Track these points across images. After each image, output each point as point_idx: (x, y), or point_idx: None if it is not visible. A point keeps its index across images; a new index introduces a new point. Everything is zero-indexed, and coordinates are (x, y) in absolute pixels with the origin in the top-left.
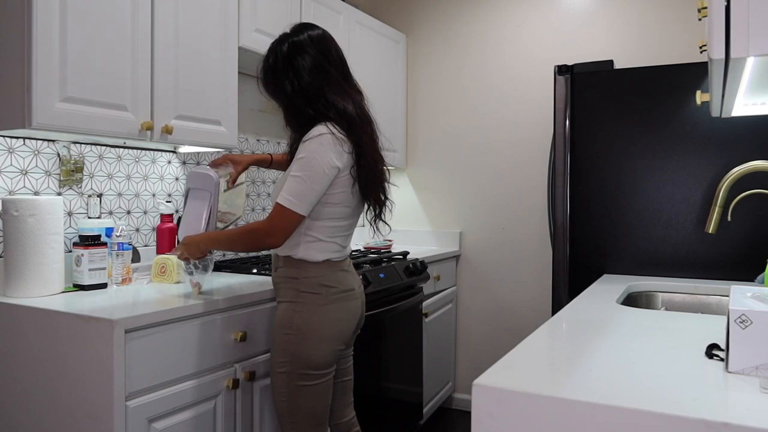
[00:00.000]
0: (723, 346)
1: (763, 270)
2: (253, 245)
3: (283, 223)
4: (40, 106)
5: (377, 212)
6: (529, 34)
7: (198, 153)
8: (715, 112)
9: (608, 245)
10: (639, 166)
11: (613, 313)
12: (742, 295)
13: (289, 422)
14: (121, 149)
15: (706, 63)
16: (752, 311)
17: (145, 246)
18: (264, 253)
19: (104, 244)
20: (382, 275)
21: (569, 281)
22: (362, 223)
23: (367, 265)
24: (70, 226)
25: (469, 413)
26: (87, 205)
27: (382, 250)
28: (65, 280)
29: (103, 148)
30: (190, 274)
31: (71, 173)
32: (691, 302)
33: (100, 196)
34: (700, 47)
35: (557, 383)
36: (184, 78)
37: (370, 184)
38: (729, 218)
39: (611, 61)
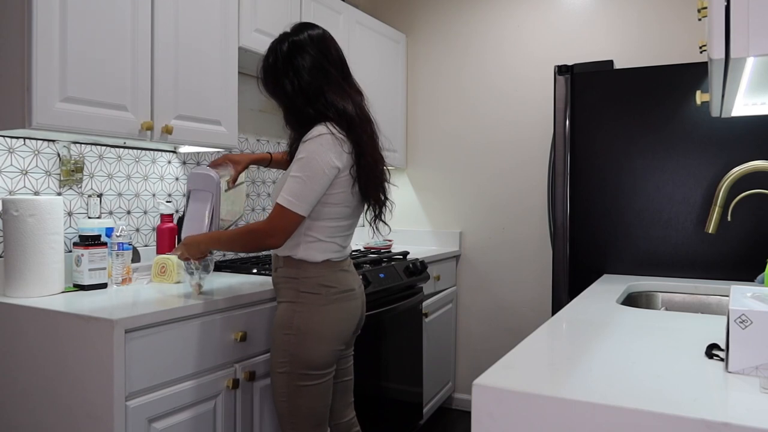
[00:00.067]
0: (723, 346)
1: (763, 270)
2: (253, 245)
3: (283, 223)
4: (40, 106)
5: (377, 212)
6: (529, 34)
7: (198, 153)
8: (715, 112)
9: (608, 245)
10: (639, 166)
11: (613, 313)
12: (742, 295)
13: (289, 422)
14: (121, 149)
15: (706, 63)
16: (752, 311)
17: (145, 246)
18: (264, 253)
19: (104, 244)
20: (382, 275)
21: (569, 281)
22: (362, 223)
23: (367, 265)
24: (70, 226)
25: (469, 413)
26: (87, 205)
27: (382, 250)
28: (65, 280)
29: (103, 148)
30: (191, 274)
31: (71, 173)
32: (691, 302)
33: (100, 196)
34: (700, 47)
35: (557, 383)
36: (184, 78)
37: (370, 184)
38: (729, 218)
39: (611, 61)
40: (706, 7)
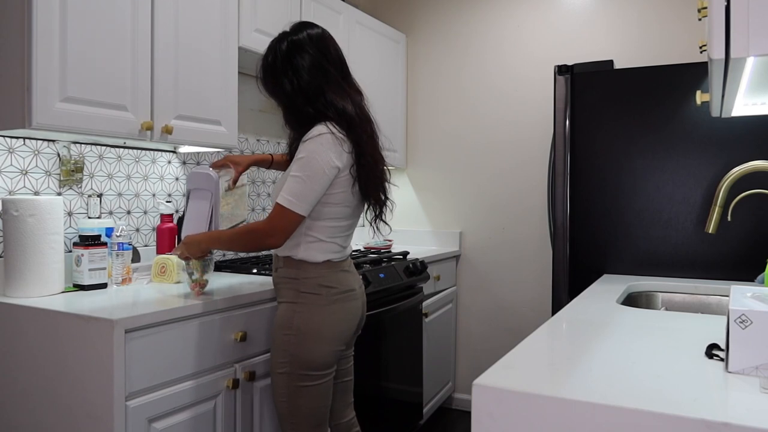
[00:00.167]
0: (723, 346)
1: (763, 270)
2: (253, 245)
3: (283, 223)
4: (40, 106)
5: (377, 212)
6: (529, 34)
7: (198, 153)
8: (715, 112)
9: (608, 245)
10: (639, 166)
11: (613, 313)
12: (742, 295)
13: (289, 423)
14: (121, 149)
15: (706, 63)
16: (752, 311)
17: (145, 246)
18: (264, 253)
19: (104, 244)
20: (382, 275)
21: (569, 281)
22: (362, 223)
23: (367, 265)
24: (70, 226)
25: (469, 413)
26: (87, 205)
27: (382, 250)
28: (65, 280)
29: (103, 148)
30: (190, 274)
31: (71, 173)
32: (691, 302)
33: (100, 196)
34: (700, 47)
35: (557, 383)
36: (184, 78)
37: (370, 183)
38: (729, 218)
39: (611, 61)
40: (706, 7)
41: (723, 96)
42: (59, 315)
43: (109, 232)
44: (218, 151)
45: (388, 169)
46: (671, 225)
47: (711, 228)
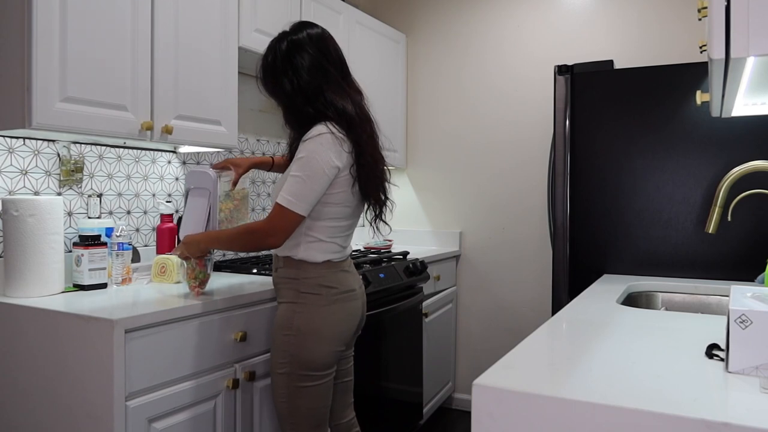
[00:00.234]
0: (723, 346)
1: (763, 270)
2: (252, 245)
3: (283, 223)
4: (40, 106)
5: (377, 212)
6: (529, 34)
7: (198, 153)
8: (715, 112)
9: (608, 245)
10: (639, 166)
11: (613, 313)
12: (742, 295)
13: (289, 423)
14: (121, 149)
15: (706, 63)
16: (752, 311)
17: (145, 246)
18: (264, 253)
19: (104, 244)
20: (382, 275)
21: (569, 281)
22: (362, 223)
23: (367, 265)
24: (70, 226)
25: (469, 413)
26: (87, 205)
27: (382, 250)
28: (65, 280)
29: (103, 148)
30: (190, 274)
31: (71, 173)
32: (691, 302)
33: (100, 196)
34: (700, 47)
35: (557, 383)
36: (184, 78)
37: (370, 183)
38: (729, 218)
39: (611, 61)
40: (706, 7)
41: (723, 96)
42: (59, 315)
43: (109, 232)
44: (218, 151)
45: (388, 169)
46: (671, 225)
47: (711, 228)
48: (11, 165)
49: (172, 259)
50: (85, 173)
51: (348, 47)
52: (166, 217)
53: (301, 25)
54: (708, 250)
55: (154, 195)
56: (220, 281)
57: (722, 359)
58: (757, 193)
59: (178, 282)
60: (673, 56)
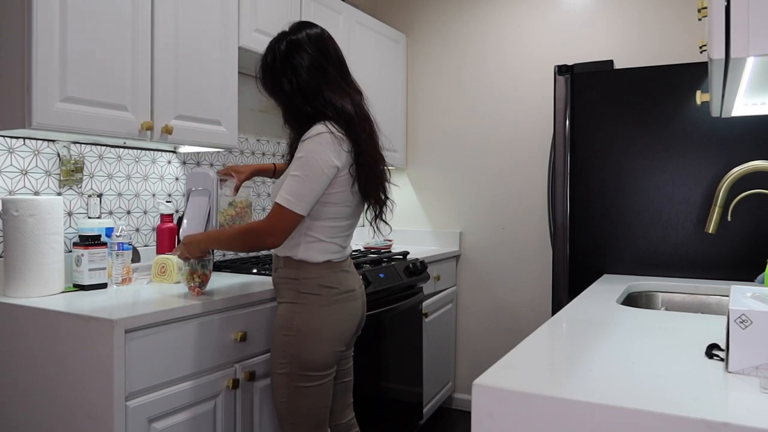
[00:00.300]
0: (723, 346)
1: (763, 270)
2: (252, 245)
3: (282, 222)
4: (40, 106)
5: (377, 212)
6: (529, 34)
7: (198, 153)
8: (715, 112)
9: (608, 245)
10: (639, 166)
11: (613, 313)
12: (742, 295)
13: (288, 423)
14: (121, 149)
15: (706, 63)
16: (752, 311)
17: (145, 246)
18: (264, 252)
19: (104, 244)
20: (382, 275)
21: (569, 281)
22: (362, 223)
23: (367, 265)
24: (70, 226)
25: (469, 413)
26: (87, 205)
27: (382, 250)
28: (65, 280)
29: (103, 148)
30: (190, 274)
31: (71, 173)
32: (691, 302)
33: (100, 196)
34: (700, 47)
35: (557, 383)
36: (184, 78)
37: (370, 183)
38: (729, 218)
39: (611, 61)
40: (706, 7)
41: (723, 96)
42: (59, 315)
43: (109, 232)
44: (218, 151)
45: (388, 169)
46: (671, 225)
47: (711, 228)
48: (11, 165)
49: (172, 259)
50: (85, 173)
51: (348, 47)
52: (166, 217)
53: (301, 25)
54: (708, 250)
55: (154, 195)
56: (220, 281)
57: (722, 359)
58: (757, 193)
59: (178, 282)
60: (673, 56)
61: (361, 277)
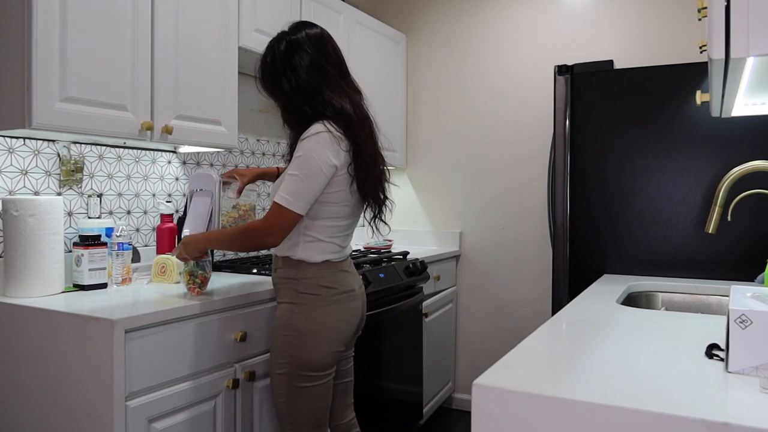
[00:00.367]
0: (723, 346)
1: (763, 270)
2: (250, 244)
3: (281, 222)
4: (40, 106)
5: (376, 211)
6: (529, 34)
7: (198, 153)
8: (715, 112)
9: (608, 245)
10: (639, 166)
11: (613, 313)
12: (742, 295)
13: (288, 423)
14: (121, 149)
15: (706, 63)
16: (752, 311)
17: (145, 246)
18: (264, 252)
19: (104, 244)
20: (382, 275)
21: (569, 281)
22: (362, 223)
23: (367, 265)
24: (70, 226)
25: (469, 413)
26: (87, 205)
27: (382, 250)
28: (65, 280)
29: (103, 148)
30: (191, 274)
31: (71, 173)
32: (691, 302)
33: (100, 196)
34: (700, 47)
35: (557, 383)
36: (184, 78)
37: (368, 182)
38: (729, 218)
39: (611, 61)
40: (706, 7)
41: (723, 96)
42: (59, 315)
43: (109, 232)
44: (218, 151)
45: (388, 169)
46: (671, 225)
47: (711, 228)
48: (11, 165)
49: (172, 259)
50: (85, 173)
51: (348, 47)
52: (166, 217)
53: (300, 25)
54: (708, 250)
55: (154, 195)
56: (220, 281)
57: (722, 359)
58: (757, 193)
59: (178, 282)
60: (673, 56)
61: (361, 277)
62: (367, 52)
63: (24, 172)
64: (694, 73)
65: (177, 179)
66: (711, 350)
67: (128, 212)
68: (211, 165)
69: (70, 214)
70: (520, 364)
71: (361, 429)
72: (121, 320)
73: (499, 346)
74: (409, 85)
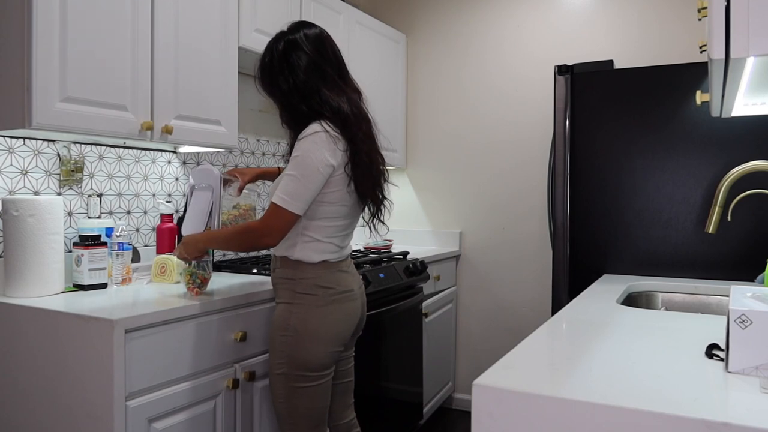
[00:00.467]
0: (723, 346)
1: (763, 270)
2: (248, 245)
3: (278, 222)
4: (40, 106)
5: (374, 211)
6: (529, 34)
7: (198, 153)
8: (715, 112)
9: (608, 245)
10: (639, 166)
11: (613, 313)
12: (742, 295)
13: (287, 423)
14: (121, 149)
15: (706, 63)
16: (752, 311)
17: (145, 246)
18: (264, 252)
19: (104, 244)
20: (382, 275)
21: (569, 281)
22: (362, 223)
23: (367, 265)
24: (70, 226)
25: (469, 413)
26: (87, 205)
27: (382, 250)
28: (65, 280)
29: (103, 148)
30: (191, 274)
31: (71, 173)
32: (691, 302)
33: (100, 196)
34: (700, 47)
35: (557, 383)
36: (184, 78)
37: (366, 182)
38: (729, 218)
39: (611, 61)
40: (706, 7)
41: (723, 96)
42: (59, 315)
43: (109, 232)
44: (218, 151)
45: (387, 169)
46: (671, 225)
47: (711, 228)
48: (11, 165)
49: (172, 259)
50: (85, 173)
51: (348, 47)
52: (166, 217)
53: (299, 25)
54: (708, 250)
55: (154, 195)
56: (220, 281)
57: (722, 359)
58: (757, 193)
59: (178, 282)
60: (673, 56)
61: (361, 277)
62: (367, 52)
63: (24, 172)
64: (694, 73)
65: (177, 179)
66: (711, 350)
67: (128, 212)
68: (211, 165)
69: (70, 214)
70: (520, 364)
71: (361, 429)
72: (121, 320)
73: (499, 346)
74: (409, 85)
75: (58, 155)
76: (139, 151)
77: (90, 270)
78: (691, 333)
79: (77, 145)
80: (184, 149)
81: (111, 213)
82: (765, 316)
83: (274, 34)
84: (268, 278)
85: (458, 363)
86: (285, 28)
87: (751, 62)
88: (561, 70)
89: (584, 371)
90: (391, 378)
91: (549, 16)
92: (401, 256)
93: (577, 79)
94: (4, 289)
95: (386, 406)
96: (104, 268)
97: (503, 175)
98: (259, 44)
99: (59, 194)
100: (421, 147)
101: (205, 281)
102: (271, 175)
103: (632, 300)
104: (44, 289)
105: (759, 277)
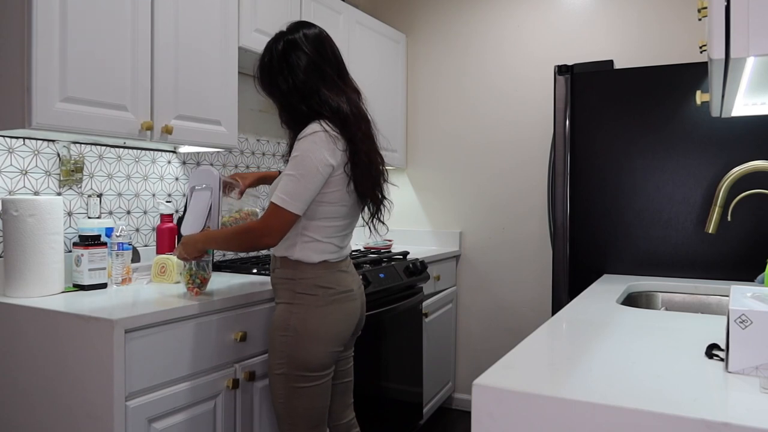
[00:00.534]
0: (723, 346)
1: (763, 270)
2: (248, 245)
3: (278, 222)
4: (40, 106)
5: (374, 211)
6: (529, 34)
7: (198, 153)
8: (715, 112)
9: (608, 245)
10: (639, 166)
11: (613, 313)
12: (742, 295)
13: (286, 423)
14: (121, 149)
15: (706, 63)
16: (752, 311)
17: (145, 246)
18: (264, 252)
19: (104, 244)
20: (382, 275)
21: (569, 281)
22: (362, 223)
23: (367, 265)
24: (70, 226)
25: (469, 413)
26: (87, 205)
27: (382, 250)
28: (65, 280)
29: (103, 148)
30: (190, 274)
31: (71, 173)
32: (691, 302)
33: (100, 196)
34: (700, 47)
35: (557, 383)
36: (184, 78)
37: (365, 182)
38: (729, 218)
39: (611, 61)
40: (706, 7)
41: (723, 96)
42: (59, 315)
43: (109, 232)
44: (218, 151)
45: (387, 169)
46: (671, 225)
47: (711, 228)
48: (11, 165)
49: (172, 259)
50: (85, 173)
51: (348, 47)
52: (166, 217)
53: (298, 25)
54: (708, 250)
55: (154, 195)
56: (220, 281)
57: (722, 359)
58: (757, 193)
59: (178, 282)
60: (673, 56)
61: (360, 277)
62: (367, 52)
63: (24, 172)
64: (694, 73)
65: (177, 179)
66: (711, 350)
67: (128, 212)
68: (211, 165)
69: (70, 214)
70: (520, 364)
71: (361, 429)
72: (121, 320)
73: (499, 346)
74: (409, 85)
75: (58, 155)
76: (139, 151)
77: (90, 270)
78: (691, 333)
79: (77, 145)
80: (184, 149)
81: (111, 213)
82: (765, 316)
83: (274, 34)
84: (268, 278)
85: (458, 363)
86: (284, 28)
87: (751, 62)
88: (561, 70)
89: (584, 371)
90: (391, 378)
91: (549, 16)
92: (401, 256)
93: (577, 79)
94: (4, 289)
95: (386, 406)
96: (104, 268)
97: (503, 175)
98: (259, 44)
99: (59, 194)
100: (421, 147)
101: (204, 281)
102: (272, 179)
103: (632, 300)
104: (44, 289)
105: (759, 277)
